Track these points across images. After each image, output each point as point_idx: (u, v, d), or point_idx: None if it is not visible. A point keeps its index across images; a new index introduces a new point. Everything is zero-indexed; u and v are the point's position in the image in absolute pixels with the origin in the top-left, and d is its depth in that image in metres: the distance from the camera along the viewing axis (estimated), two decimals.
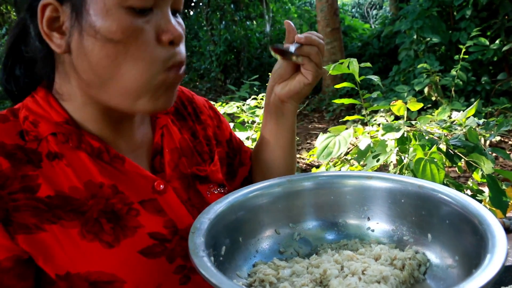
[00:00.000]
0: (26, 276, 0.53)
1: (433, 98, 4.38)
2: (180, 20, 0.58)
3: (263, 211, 0.60)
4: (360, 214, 0.62)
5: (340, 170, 1.70)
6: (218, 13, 8.58)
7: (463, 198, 0.53)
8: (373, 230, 0.61)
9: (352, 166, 1.67)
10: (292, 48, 0.66)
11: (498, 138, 3.40)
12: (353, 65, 1.24)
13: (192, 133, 0.72)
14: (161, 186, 0.61)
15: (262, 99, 2.19)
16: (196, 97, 0.78)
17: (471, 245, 0.48)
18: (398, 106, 1.47)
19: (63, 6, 0.52)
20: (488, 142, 2.63)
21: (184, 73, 0.58)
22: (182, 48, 0.56)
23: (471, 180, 1.70)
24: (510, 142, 3.67)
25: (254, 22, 9.10)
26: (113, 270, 0.54)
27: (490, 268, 0.38)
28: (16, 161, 0.54)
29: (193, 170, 0.67)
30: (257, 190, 0.60)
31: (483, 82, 4.71)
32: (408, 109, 1.46)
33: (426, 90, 4.40)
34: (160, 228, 0.59)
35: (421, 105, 1.48)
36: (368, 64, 1.24)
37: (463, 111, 1.51)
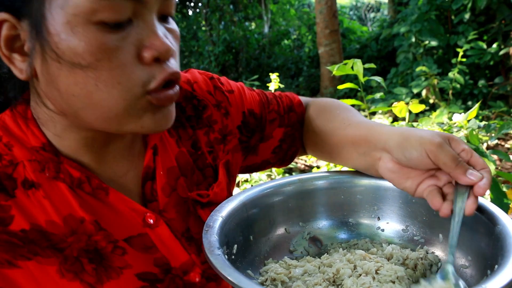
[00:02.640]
0: None
1: (431, 101, 4.41)
2: (173, 25, 0.49)
3: (274, 210, 0.60)
4: (371, 213, 0.62)
5: (341, 170, 1.69)
6: (217, 13, 8.59)
7: None
8: (383, 230, 0.61)
9: None
10: None
11: (495, 141, 3.42)
12: (357, 66, 1.24)
13: (193, 144, 0.62)
14: (151, 220, 0.53)
15: None
16: (197, 86, 0.65)
17: (485, 245, 0.48)
18: (400, 108, 1.48)
19: (21, 22, 0.43)
20: (485, 145, 2.65)
21: (178, 91, 0.49)
22: (172, 63, 0.47)
23: None
24: (506, 146, 3.69)
25: (253, 23, 9.11)
26: None
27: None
28: None
29: (193, 195, 0.58)
30: (269, 189, 0.60)
31: (480, 86, 4.75)
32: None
33: (424, 92, 4.43)
34: (150, 267, 0.53)
35: (423, 106, 1.49)
36: (372, 65, 1.24)
37: (461, 113, 1.52)
